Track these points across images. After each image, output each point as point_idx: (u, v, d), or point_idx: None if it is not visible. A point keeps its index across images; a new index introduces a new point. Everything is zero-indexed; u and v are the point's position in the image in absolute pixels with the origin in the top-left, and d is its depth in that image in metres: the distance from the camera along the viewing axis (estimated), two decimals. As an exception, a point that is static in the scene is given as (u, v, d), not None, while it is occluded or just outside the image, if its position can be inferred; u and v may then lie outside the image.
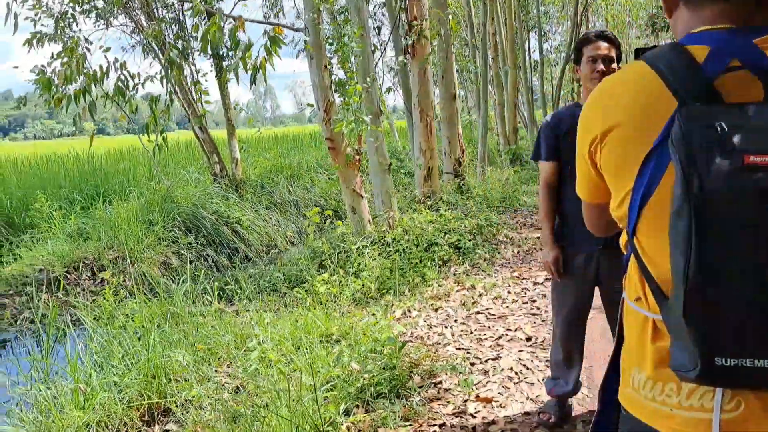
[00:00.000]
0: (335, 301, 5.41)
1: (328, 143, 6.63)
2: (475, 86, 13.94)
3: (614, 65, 2.94)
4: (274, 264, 7.66)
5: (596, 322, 3.82)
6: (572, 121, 3.06)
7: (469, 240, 6.94)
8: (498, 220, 7.97)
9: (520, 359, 4.04)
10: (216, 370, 4.33)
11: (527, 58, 21.58)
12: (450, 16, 9.01)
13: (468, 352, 4.20)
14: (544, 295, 5.37)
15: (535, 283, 5.75)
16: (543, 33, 24.38)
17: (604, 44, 2.93)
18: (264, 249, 9.88)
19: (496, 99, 15.17)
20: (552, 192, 3.08)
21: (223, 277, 6.96)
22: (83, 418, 3.61)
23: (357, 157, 6.68)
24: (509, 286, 5.70)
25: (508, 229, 7.89)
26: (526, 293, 5.47)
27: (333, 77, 6.82)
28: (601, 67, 2.88)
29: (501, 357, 4.08)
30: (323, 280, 5.68)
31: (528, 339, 4.39)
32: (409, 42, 8.11)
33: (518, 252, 6.95)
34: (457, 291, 5.64)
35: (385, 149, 7.40)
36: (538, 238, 7.54)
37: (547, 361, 3.99)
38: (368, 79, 6.86)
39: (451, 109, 9.64)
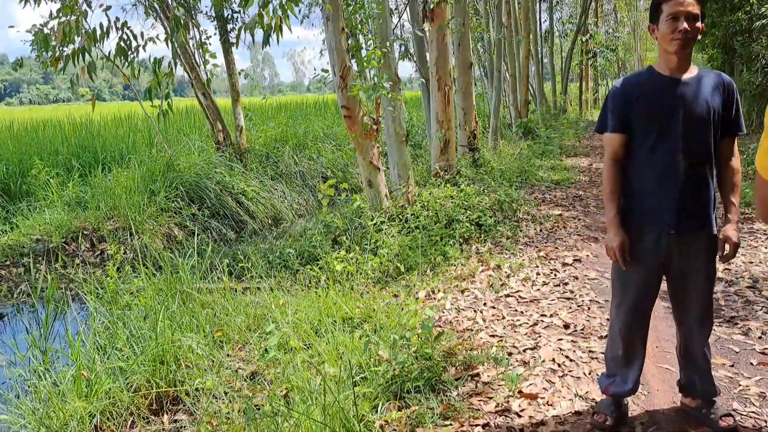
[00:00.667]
0: (352, 280, 5.07)
1: (343, 111, 6.22)
2: (488, 55, 13.43)
3: (699, 24, 2.55)
4: (284, 238, 7.31)
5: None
6: (644, 88, 2.69)
7: (490, 217, 6.59)
8: (517, 195, 7.61)
9: (560, 349, 3.72)
10: (228, 354, 4.01)
11: (538, 28, 21.01)
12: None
13: (503, 340, 3.87)
14: (576, 278, 5.04)
15: (564, 264, 5.41)
16: (555, 2, 23.79)
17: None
18: (270, 221, 9.53)
19: (508, 70, 14.68)
20: (619, 168, 2.72)
21: (231, 252, 6.61)
22: (87, 408, 3.29)
23: (375, 127, 6.28)
24: (537, 266, 5.37)
25: (527, 205, 7.53)
26: (556, 275, 5.14)
27: (349, 41, 6.39)
28: (685, 25, 2.49)
29: (540, 346, 3.76)
30: (340, 257, 5.34)
31: (566, 326, 4.06)
32: (429, 5, 7.64)
33: (541, 230, 6.61)
34: (482, 271, 5.30)
35: (403, 119, 7.00)
36: (560, 215, 7.20)
37: (590, 352, 3.68)
38: (387, 43, 6.43)
39: (467, 79, 9.22)
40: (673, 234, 2.59)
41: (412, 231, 6.01)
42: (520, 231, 6.50)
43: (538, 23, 21.52)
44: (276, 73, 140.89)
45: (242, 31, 5.22)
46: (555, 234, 6.45)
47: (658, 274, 2.71)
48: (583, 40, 22.53)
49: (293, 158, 11.89)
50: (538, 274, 5.16)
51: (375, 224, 5.95)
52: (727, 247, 2.64)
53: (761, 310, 4.15)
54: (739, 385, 3.17)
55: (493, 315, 4.31)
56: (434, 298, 4.74)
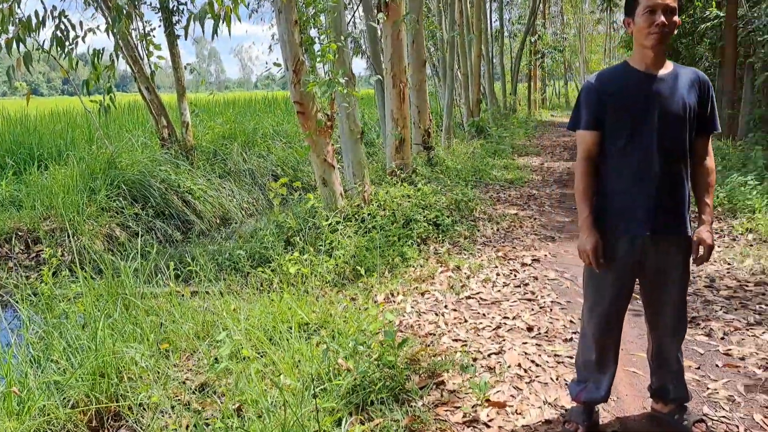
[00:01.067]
0: (307, 283, 4.86)
1: (296, 107, 5.99)
2: (440, 54, 13.38)
3: (676, 17, 2.46)
4: (234, 239, 7.03)
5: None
6: (619, 84, 2.58)
7: (448, 216, 6.47)
8: (473, 195, 7.53)
9: (526, 353, 3.60)
10: (175, 365, 3.74)
11: (489, 28, 21.14)
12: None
13: (466, 345, 3.73)
14: (536, 278, 4.96)
15: (523, 264, 5.33)
16: (505, 2, 24.02)
17: None
18: (218, 221, 9.19)
19: (460, 69, 14.66)
20: (593, 166, 2.60)
21: (177, 254, 6.29)
22: (18, 428, 2.98)
23: (329, 123, 6.07)
24: (496, 267, 5.27)
25: (483, 205, 7.46)
26: (515, 276, 5.05)
27: (302, 35, 6.16)
28: (662, 19, 2.39)
29: (504, 351, 3.64)
30: (294, 259, 5.12)
31: (529, 329, 3.96)
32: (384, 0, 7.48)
33: (498, 230, 6.53)
34: (442, 272, 5.17)
35: (358, 116, 6.81)
36: (516, 214, 7.15)
37: (556, 356, 3.58)
38: (342, 38, 6.23)
39: (421, 77, 9.10)
40: (648, 234, 2.49)
41: (368, 231, 5.83)
42: (478, 231, 6.41)
43: (489, 23, 21.66)
44: (222, 69, 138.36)
45: (191, 22, 4.94)
46: (512, 233, 6.38)
47: (632, 276, 2.61)
48: (532, 40, 22.81)
49: (242, 156, 11.54)
50: (498, 274, 5.06)
51: (330, 224, 5.75)
52: (701, 249, 2.56)
53: (721, 310, 4.14)
54: (708, 389, 3.11)
55: (455, 318, 4.17)
56: (394, 301, 4.58)
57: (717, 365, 3.37)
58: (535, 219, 7.01)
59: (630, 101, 2.50)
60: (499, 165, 10.54)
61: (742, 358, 3.41)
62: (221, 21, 4.92)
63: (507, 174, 9.74)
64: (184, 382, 3.51)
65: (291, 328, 3.84)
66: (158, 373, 3.53)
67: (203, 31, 4.68)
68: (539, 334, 3.88)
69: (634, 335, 3.79)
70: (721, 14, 10.65)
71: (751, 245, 5.50)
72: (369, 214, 6.07)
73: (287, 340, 3.66)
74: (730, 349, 3.53)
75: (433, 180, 7.70)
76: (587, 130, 2.57)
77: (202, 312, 4.30)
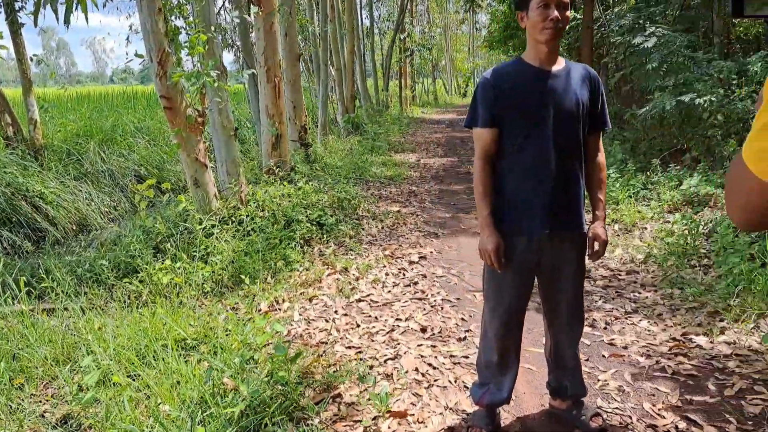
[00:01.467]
0: (181, 294, 4.46)
1: (163, 101, 5.50)
2: (313, 49, 13.12)
3: (568, 12, 2.43)
4: (94, 247, 6.37)
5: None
6: (514, 80, 2.51)
7: (331, 216, 6.27)
8: (355, 192, 7.38)
9: (422, 356, 3.49)
10: (32, 395, 3.25)
11: (360, 24, 21.14)
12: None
13: (361, 352, 3.56)
14: (424, 276, 4.89)
15: (411, 263, 5.25)
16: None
17: None
18: (75, 228, 8.35)
19: (333, 64, 14.48)
20: (491, 164, 2.52)
21: (29, 266, 5.57)
22: None
23: (200, 119, 5.64)
24: (384, 266, 5.14)
25: (366, 202, 7.33)
26: (404, 275, 4.95)
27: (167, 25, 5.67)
28: (556, 13, 2.35)
29: (400, 355, 3.50)
30: (165, 268, 4.69)
31: (423, 330, 3.86)
32: (255, -11, 7.11)
33: (383, 227, 6.42)
34: (329, 275, 4.96)
35: (230, 112, 6.41)
36: (398, 211, 7.09)
37: (452, 356, 3.49)
38: (213, 28, 5.83)
39: (295, 71, 8.82)
40: (546, 232, 2.44)
41: (247, 234, 5.49)
42: (363, 229, 6.26)
43: (360, 19, 21.68)
44: (73, 62, 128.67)
45: (41, 7, 4.34)
46: (397, 231, 6.30)
47: (531, 274, 2.56)
48: (402, 38, 23.13)
49: (100, 155, 10.60)
50: (387, 274, 4.93)
51: (204, 228, 5.34)
52: (596, 244, 2.56)
53: (600, 300, 4.28)
54: (598, 380, 3.16)
55: (347, 323, 3.98)
56: (279, 309, 4.30)
57: (604, 356, 3.44)
58: (417, 215, 6.99)
59: (526, 98, 2.44)
60: (377, 162, 10.49)
61: (625, 347, 3.51)
62: (75, 6, 4.38)
63: (386, 171, 9.70)
64: (42, 416, 3.05)
65: (167, 346, 3.46)
66: (10, 406, 3.04)
67: (57, 18, 4.13)
68: (433, 334, 3.78)
69: (525, 330, 3.79)
70: (578, 16, 11.30)
71: (618, 235, 5.79)
72: (247, 216, 5.73)
73: (163, 359, 3.29)
74: (613, 339, 3.62)
75: (313, 178, 7.46)
76: (484, 127, 2.48)
77: (61, 332, 3.79)
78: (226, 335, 3.68)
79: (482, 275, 2.69)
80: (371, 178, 9.06)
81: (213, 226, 5.46)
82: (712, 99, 6.79)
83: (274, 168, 7.10)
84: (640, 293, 4.31)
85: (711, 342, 3.46)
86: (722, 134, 6.96)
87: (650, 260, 4.90)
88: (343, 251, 5.60)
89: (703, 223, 5.26)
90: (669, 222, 5.85)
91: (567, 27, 2.46)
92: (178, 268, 4.74)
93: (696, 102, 6.84)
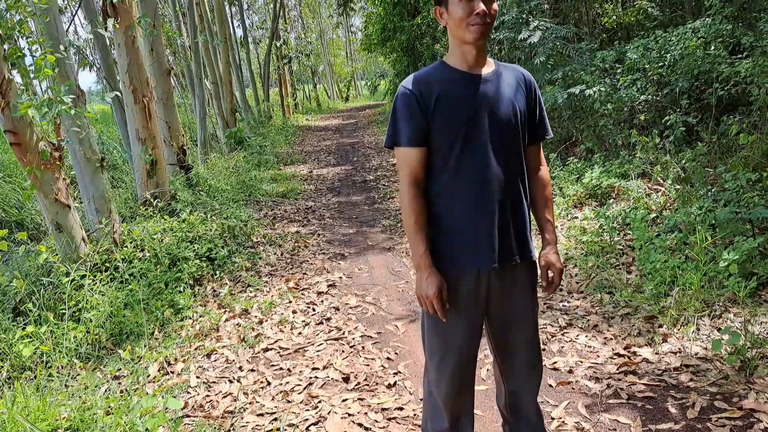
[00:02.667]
0: (50, 365, 3.71)
1: (9, 137, 4.64)
2: (185, 62, 12.22)
3: (495, 5, 2.03)
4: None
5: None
6: (441, 88, 2.08)
7: (222, 247, 5.61)
8: (247, 216, 6.74)
9: (349, 415, 2.99)
10: None
11: (233, 33, 20.22)
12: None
13: (276, 419, 3.00)
14: (337, 309, 4.39)
15: (319, 293, 4.73)
16: (246, 7, 23.25)
17: None
18: None
19: (208, 77, 13.59)
20: (421, 190, 2.07)
21: None
22: None
23: (57, 154, 4.82)
24: (290, 302, 4.58)
25: (261, 226, 6.70)
26: (314, 309, 4.42)
27: (5, 46, 4.81)
28: (482, 6, 1.95)
29: (324, 417, 2.98)
30: (28, 335, 3.90)
31: (346, 379, 3.36)
32: (111, 0, 6.29)
33: (282, 254, 5.84)
34: (227, 320, 4.34)
35: (95, 140, 5.59)
36: (298, 232, 6.54)
37: (383, 410, 3.02)
38: (62, 47, 5.01)
39: (166, 88, 8.00)
40: (495, 267, 2.03)
41: (126, 282, 4.74)
42: (260, 259, 5.65)
43: (232, 28, 20.74)
44: None
45: None
46: (299, 256, 5.74)
47: (480, 316, 2.14)
48: (278, 45, 22.41)
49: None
50: (294, 312, 4.38)
51: (73, 280, 4.54)
52: (550, 273, 2.19)
53: (529, 313, 3.97)
54: (553, 419, 2.80)
55: (255, 382, 3.40)
56: (172, 372, 3.64)
57: (551, 385, 3.10)
58: (319, 235, 6.46)
59: (456, 108, 2.02)
60: (267, 177, 9.82)
61: (570, 371, 3.20)
62: None
63: (278, 187, 9.07)
64: None
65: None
66: None
67: None
68: (358, 383, 3.29)
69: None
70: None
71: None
72: (124, 260, 4.96)
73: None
74: (555, 363, 3.30)
75: (198, 205, 6.72)
76: (410, 146, 2.03)
77: None
78: (108, 416, 3.00)
79: (421, 325, 2.24)
80: (262, 197, 8.41)
81: (83, 276, 4.66)
82: (601, 89, 6.78)
83: (151, 199, 6.31)
84: (569, 302, 4.04)
85: (656, 354, 3.22)
86: (613, 123, 6.98)
87: (570, 263, 4.68)
88: (241, 288, 4.98)
89: (612, 217, 5.13)
90: (577, 218, 5.71)
91: (494, 20, 2.05)
92: (44, 333, 3.96)
93: (586, 93, 6.80)
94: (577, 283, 4.33)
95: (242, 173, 9.57)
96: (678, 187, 5.26)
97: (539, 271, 2.21)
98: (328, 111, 29.19)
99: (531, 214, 2.21)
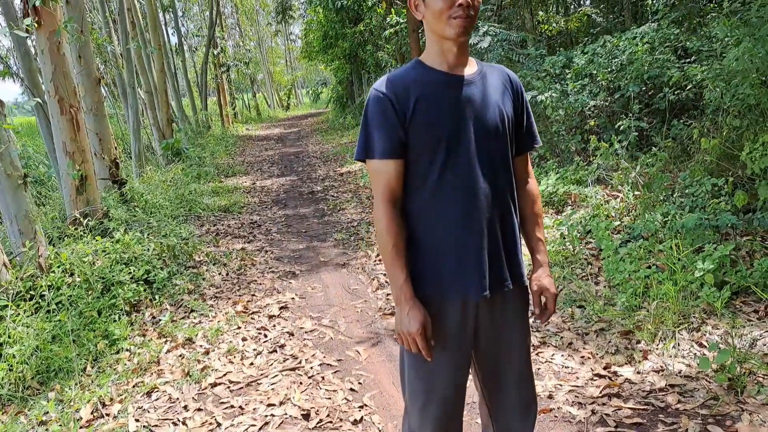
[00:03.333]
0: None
1: None
2: (116, 70, 11.59)
3: (478, -3, 1.78)
4: None
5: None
6: (419, 90, 1.80)
7: (162, 268, 5.17)
8: (187, 232, 6.30)
9: (313, 458, 2.67)
10: None
11: (168, 40, 19.49)
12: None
13: (230, 467, 2.65)
14: (291, 334, 4.05)
15: (271, 317, 4.37)
16: (180, 14, 22.49)
17: None
18: None
19: (142, 86, 12.96)
20: (399, 209, 1.80)
21: None
22: None
23: (-31, 172, 4.31)
24: (239, 328, 4.21)
25: (203, 244, 6.27)
26: (266, 336, 4.06)
27: None
28: None
29: (285, 462, 2.65)
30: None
31: (306, 416, 3.03)
32: (33, 3, 5.77)
33: (228, 273, 5.44)
34: (169, 351, 3.93)
35: (16, 154, 5.07)
36: (243, 249, 6.14)
37: (351, 449, 2.71)
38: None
39: (96, 98, 7.44)
40: (486, 294, 1.77)
41: (55, 311, 4.26)
42: (204, 280, 5.23)
43: (167, 35, 20.01)
44: None
45: None
46: (246, 276, 5.36)
47: (468, 351, 1.88)
48: (215, 53, 21.77)
49: None
50: (244, 339, 4.01)
51: (-8, 312, 4.04)
52: (543, 299, 1.95)
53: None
54: (538, 451, 2.56)
55: (203, 424, 3.03)
56: (108, 415, 3.23)
57: (531, 412, 2.86)
58: (267, 251, 6.08)
59: (438, 114, 1.75)
60: (207, 191, 9.34)
61: (551, 396, 2.97)
62: None
63: (220, 200, 8.62)
64: None
65: None
66: None
67: None
68: (320, 421, 2.96)
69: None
70: (402, 20, 11.04)
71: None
72: (51, 286, 4.48)
73: None
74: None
75: (133, 223, 6.23)
76: (385, 158, 1.75)
77: None
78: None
79: (400, 362, 1.95)
80: (204, 212, 7.94)
81: (4, 306, 4.16)
82: (553, 95, 6.69)
83: (81, 218, 5.79)
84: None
85: (638, 373, 3.03)
86: (565, 129, 6.90)
87: (535, 275, 4.48)
88: (184, 313, 4.57)
89: (574, 226, 4.98)
90: (536, 227, 5.55)
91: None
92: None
93: (538, 99, 6.70)
94: (544, 296, 4.12)
95: (181, 186, 9.07)
96: (637, 193, 5.17)
97: (531, 297, 1.96)
98: (269, 120, 28.63)
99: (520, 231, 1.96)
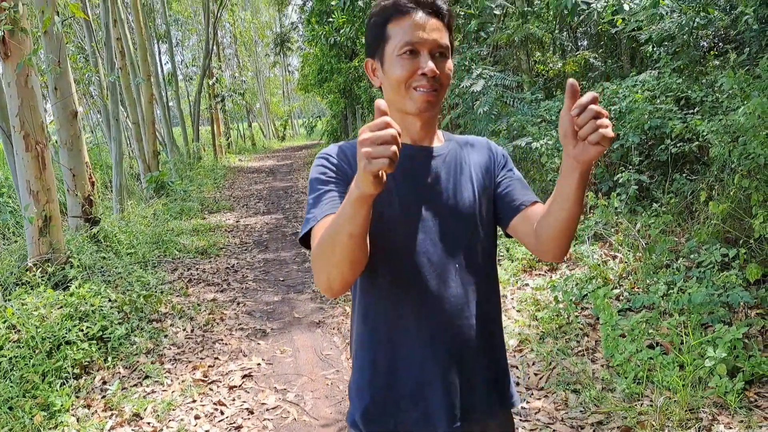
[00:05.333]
0: None
1: None
2: (101, 101, 11.29)
3: (449, 63, 1.43)
4: None
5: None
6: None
7: (120, 323, 4.75)
8: (156, 279, 5.88)
9: None
10: None
11: (160, 70, 19.29)
12: (64, 1, 6.56)
13: None
14: (251, 412, 3.61)
15: (231, 388, 3.94)
16: (175, 43, 22.36)
17: (432, 21, 1.38)
18: None
19: (129, 117, 12.65)
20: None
21: None
22: None
23: None
24: (194, 401, 3.77)
25: (172, 292, 5.85)
26: (222, 413, 3.62)
27: None
28: (431, 65, 1.35)
29: None
30: None
31: None
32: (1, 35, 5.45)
33: (193, 330, 5.01)
34: (112, 428, 3.49)
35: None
36: (214, 300, 5.73)
37: None
38: None
39: (72, 131, 7.07)
40: (457, 426, 1.39)
41: (-11, 377, 3.83)
42: (166, 337, 4.80)
43: (160, 65, 19.81)
44: None
45: None
46: (212, 333, 4.93)
47: None
48: (210, 83, 21.58)
49: None
50: (197, 417, 3.57)
51: None
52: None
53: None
54: None
55: None
56: None
57: None
58: (239, 303, 5.66)
59: (396, 192, 1.39)
60: (187, 229, 8.93)
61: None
62: None
63: (198, 241, 8.20)
64: None
65: None
66: None
67: None
68: None
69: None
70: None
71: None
72: (-9, 346, 4.06)
73: None
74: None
75: (97, 270, 5.81)
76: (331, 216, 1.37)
77: None
78: None
79: None
80: (179, 254, 7.53)
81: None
82: (548, 142, 6.36)
83: (34, 265, 5.38)
84: (529, 402, 3.41)
85: (642, 485, 2.62)
86: (561, 178, 6.55)
87: (526, 347, 4.08)
88: (137, 379, 4.13)
89: (569, 292, 4.59)
90: (528, 285, 5.17)
91: (449, 84, 1.43)
92: None
93: (533, 146, 6.37)
94: (535, 374, 3.71)
95: (160, 224, 8.66)
96: (638, 254, 4.80)
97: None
98: (263, 150, 28.38)
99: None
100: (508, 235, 1.49)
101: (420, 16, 1.36)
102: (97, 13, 12.66)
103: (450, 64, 1.41)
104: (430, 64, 1.34)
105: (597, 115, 1.06)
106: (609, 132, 1.05)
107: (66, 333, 4.33)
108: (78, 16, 7.04)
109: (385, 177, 1.03)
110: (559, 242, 1.31)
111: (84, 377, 4.14)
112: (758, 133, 4.22)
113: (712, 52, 7.27)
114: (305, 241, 1.36)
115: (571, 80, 1.10)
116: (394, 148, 0.99)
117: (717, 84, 5.52)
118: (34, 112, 5.91)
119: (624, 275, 4.76)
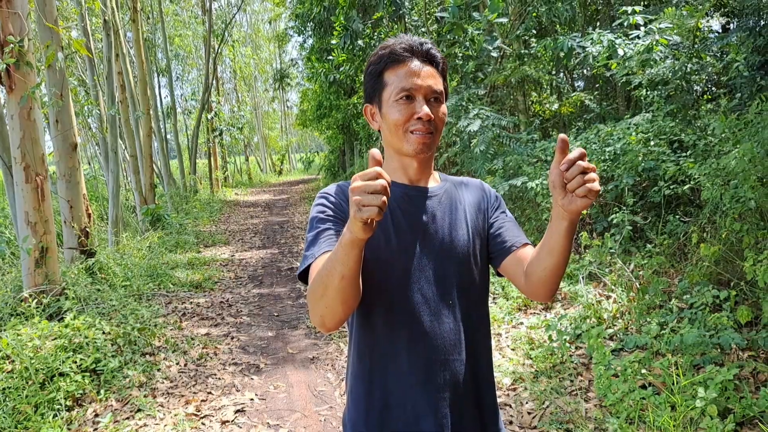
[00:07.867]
0: None
1: None
2: (100, 134, 11.39)
3: (443, 107, 1.50)
4: None
5: None
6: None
7: (113, 355, 4.73)
8: (150, 312, 5.87)
9: None
10: None
11: (159, 103, 19.50)
12: (68, 36, 6.70)
13: None
14: (245, 446, 3.60)
15: (223, 424, 3.92)
16: (175, 77, 22.65)
17: (426, 68, 1.47)
18: None
19: (127, 149, 12.75)
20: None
21: None
22: None
23: None
24: (186, 435, 3.75)
25: (166, 326, 5.84)
26: (215, 447, 3.61)
27: None
28: (425, 110, 1.43)
29: None
30: None
31: None
32: (2, 68, 5.55)
33: (186, 364, 5.00)
34: (103, 463, 3.46)
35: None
36: (207, 335, 5.72)
37: None
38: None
39: (71, 163, 7.15)
40: None
41: (-19, 408, 3.81)
42: (158, 370, 4.78)
43: (159, 99, 20.03)
44: None
45: None
46: (205, 368, 4.91)
47: None
48: (209, 117, 21.80)
49: None
50: (189, 452, 3.55)
51: None
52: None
53: None
54: None
55: None
56: None
57: None
58: (233, 338, 5.65)
59: (396, 230, 1.46)
60: (182, 262, 8.94)
61: None
62: None
63: (193, 274, 8.21)
64: None
65: None
66: None
67: None
68: None
69: None
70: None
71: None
72: (-16, 377, 4.04)
73: None
74: None
75: (92, 302, 5.81)
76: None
77: None
78: None
79: None
80: (174, 287, 7.52)
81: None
82: (544, 182, 6.45)
83: (34, 295, 5.38)
84: None
85: None
86: (555, 218, 6.62)
87: (520, 386, 4.08)
88: (129, 412, 4.10)
89: (563, 331, 4.62)
90: (523, 324, 5.19)
91: (443, 127, 1.51)
92: None
93: (528, 186, 6.46)
94: (529, 413, 3.71)
95: (155, 257, 8.67)
96: (632, 295, 4.84)
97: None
98: (260, 185, 28.50)
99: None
100: (499, 274, 1.54)
101: (415, 64, 1.44)
102: (99, 47, 12.89)
103: (444, 108, 1.49)
104: (426, 109, 1.42)
105: (584, 171, 1.13)
106: (595, 186, 1.12)
107: (59, 364, 4.32)
108: (81, 53, 7.17)
109: (375, 224, 1.09)
110: (548, 286, 1.38)
111: (76, 409, 4.11)
112: (748, 177, 4.31)
113: (704, 97, 7.45)
114: (304, 277, 1.42)
115: (561, 136, 1.18)
116: (384, 198, 1.05)
117: (709, 128, 5.65)
118: (36, 145, 5.98)
119: (618, 315, 4.80)
